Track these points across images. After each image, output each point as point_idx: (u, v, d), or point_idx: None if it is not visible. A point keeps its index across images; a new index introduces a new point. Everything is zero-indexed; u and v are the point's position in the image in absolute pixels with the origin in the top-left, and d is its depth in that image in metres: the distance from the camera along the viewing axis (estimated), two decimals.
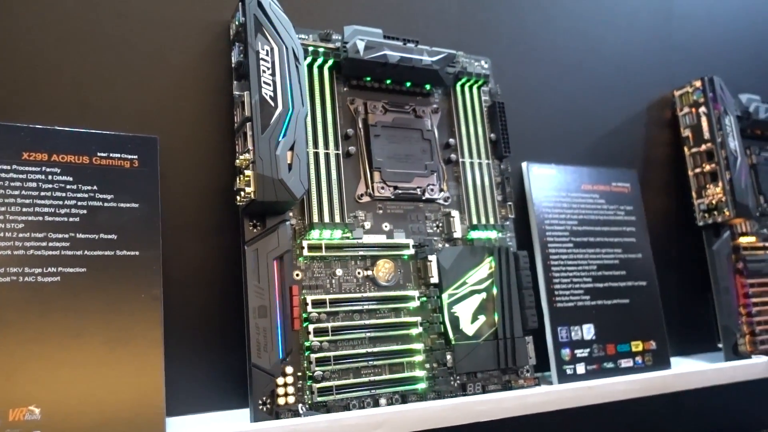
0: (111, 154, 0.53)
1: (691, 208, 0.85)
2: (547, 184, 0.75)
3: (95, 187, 0.52)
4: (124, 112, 0.57)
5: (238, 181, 0.54)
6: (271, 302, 0.54)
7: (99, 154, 0.52)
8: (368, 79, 0.64)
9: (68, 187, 0.51)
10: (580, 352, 0.71)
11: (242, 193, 0.53)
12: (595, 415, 0.77)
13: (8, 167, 0.49)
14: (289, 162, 0.53)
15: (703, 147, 0.84)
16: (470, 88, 0.70)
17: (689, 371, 0.73)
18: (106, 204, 0.52)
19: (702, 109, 0.84)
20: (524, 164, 0.74)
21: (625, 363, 0.73)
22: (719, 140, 0.81)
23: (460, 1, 0.78)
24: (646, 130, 0.88)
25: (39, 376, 0.45)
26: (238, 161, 0.54)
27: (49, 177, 0.50)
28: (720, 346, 0.81)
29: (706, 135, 0.83)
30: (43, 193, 0.50)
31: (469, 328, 0.62)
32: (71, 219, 0.50)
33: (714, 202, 0.82)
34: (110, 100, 0.57)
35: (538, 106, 0.81)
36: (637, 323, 0.76)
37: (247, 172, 0.52)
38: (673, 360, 0.78)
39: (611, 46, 0.89)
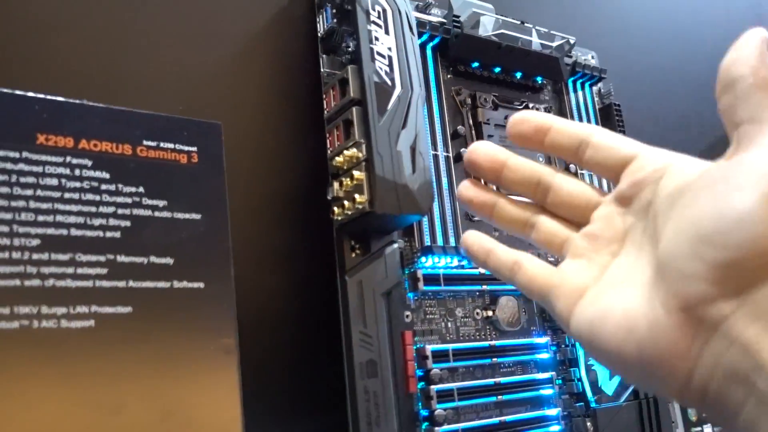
0: (161, 144, 0.37)
1: None
2: None
3: (141, 189, 0.36)
4: (171, 91, 0.41)
5: (336, 187, 0.39)
6: (382, 355, 0.39)
7: (146, 142, 0.37)
8: (476, 65, 0.50)
9: (104, 187, 0.35)
10: None
11: (345, 204, 0.38)
12: None
13: (17, 154, 0.32)
14: (412, 161, 0.39)
15: None
16: (582, 85, 0.57)
17: None
18: (156, 213, 0.36)
19: None
20: None
21: None
22: None
23: None
24: None
25: None
26: (338, 159, 0.39)
27: (76, 172, 0.34)
28: None
29: None
30: (67, 195, 0.33)
31: (608, 386, 0.48)
32: (108, 234, 0.34)
33: None
34: (155, 77, 0.41)
35: (646, 112, 0.69)
36: None
37: (357, 174, 0.37)
38: None
39: (711, 43, 0.79)
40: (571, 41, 0.53)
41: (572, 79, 0.56)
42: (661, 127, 0.71)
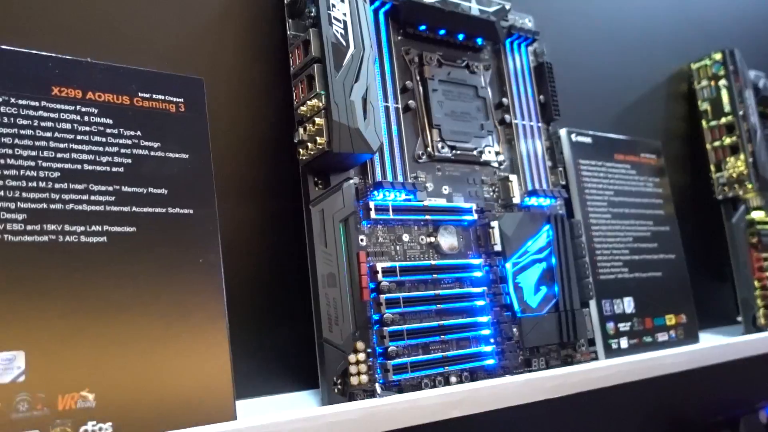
0: (154, 95, 0.45)
1: (708, 181, 0.85)
2: (585, 152, 0.72)
3: (139, 133, 0.43)
4: (160, 51, 0.49)
5: (301, 132, 0.47)
6: (340, 269, 0.47)
7: (141, 94, 0.44)
8: (422, 27, 0.58)
9: (108, 131, 0.42)
10: (623, 326, 0.68)
11: (309, 146, 0.46)
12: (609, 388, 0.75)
13: (37, 103, 0.40)
14: (363, 110, 0.47)
15: (723, 120, 0.83)
16: (518, 45, 0.65)
17: (724, 344, 0.72)
18: (152, 153, 0.43)
19: (722, 81, 0.83)
20: (563, 131, 0.71)
21: (662, 337, 0.72)
22: (741, 113, 0.81)
23: None
24: (666, 102, 0.87)
25: (88, 355, 0.37)
26: (303, 108, 0.47)
27: (86, 118, 0.41)
28: (739, 319, 0.81)
29: (727, 108, 0.82)
30: (80, 137, 0.41)
31: (532, 300, 0.58)
32: (115, 169, 0.42)
33: (734, 175, 0.82)
34: (146, 35, 0.48)
35: (568, 71, 0.77)
36: (669, 297, 0.74)
37: (318, 120, 0.46)
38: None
39: (629, 15, 0.87)
40: (507, 6, 0.61)
41: (509, 40, 0.64)
42: (592, 83, 0.79)
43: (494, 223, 0.57)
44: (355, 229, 0.49)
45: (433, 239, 0.54)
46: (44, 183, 0.39)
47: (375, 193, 0.51)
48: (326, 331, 0.46)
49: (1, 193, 0.37)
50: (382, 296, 0.49)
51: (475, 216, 0.56)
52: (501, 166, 0.61)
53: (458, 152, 0.57)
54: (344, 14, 0.47)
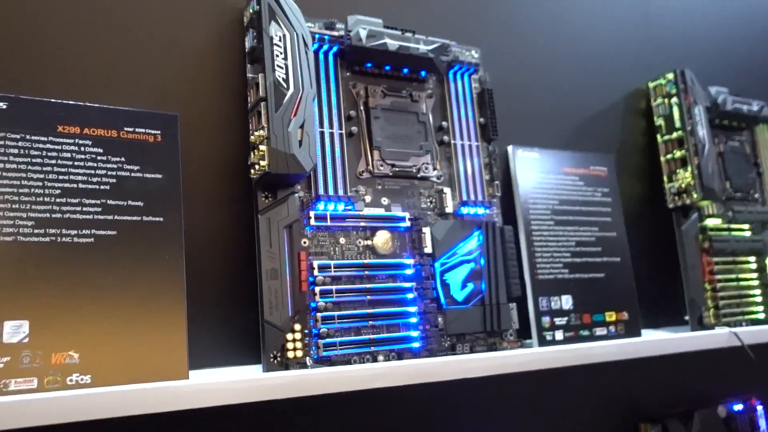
0: (137, 129, 0.58)
1: (662, 191, 0.92)
2: (531, 166, 0.81)
3: (123, 159, 0.56)
4: (145, 91, 0.62)
5: (252, 155, 0.59)
6: (281, 265, 0.59)
7: (126, 129, 0.57)
8: (369, 65, 0.69)
9: (99, 158, 0.55)
10: (559, 321, 0.77)
11: (256, 167, 0.59)
12: (570, 378, 0.84)
13: (45, 138, 0.54)
14: (299, 139, 0.58)
15: (674, 135, 0.90)
16: (461, 75, 0.75)
17: (658, 338, 0.80)
18: (133, 174, 0.56)
19: (674, 99, 0.90)
20: (510, 148, 0.80)
21: (600, 331, 0.80)
22: (689, 128, 0.88)
23: None
24: (623, 118, 0.95)
25: (76, 325, 0.51)
26: (252, 137, 0.59)
27: (82, 148, 0.55)
28: (687, 318, 0.88)
29: (677, 123, 0.90)
30: (76, 163, 0.54)
31: (459, 294, 0.68)
32: (102, 187, 0.55)
33: (683, 185, 0.89)
34: (132, 79, 0.61)
35: (524, 93, 0.87)
36: (611, 296, 0.83)
37: (262, 147, 0.58)
38: (644, 332, 0.85)
39: (593, 38, 0.95)
40: (446, 43, 0.72)
41: (452, 71, 0.74)
42: (557, 102, 0.88)
43: (425, 229, 0.67)
44: (298, 234, 0.61)
45: (369, 242, 0.65)
46: (48, 198, 0.52)
47: (318, 204, 0.62)
48: (267, 314, 0.58)
49: (16, 205, 0.51)
50: (318, 288, 0.60)
51: (409, 223, 0.67)
52: (439, 180, 0.71)
53: (397, 169, 0.68)
54: (286, 61, 0.59)
